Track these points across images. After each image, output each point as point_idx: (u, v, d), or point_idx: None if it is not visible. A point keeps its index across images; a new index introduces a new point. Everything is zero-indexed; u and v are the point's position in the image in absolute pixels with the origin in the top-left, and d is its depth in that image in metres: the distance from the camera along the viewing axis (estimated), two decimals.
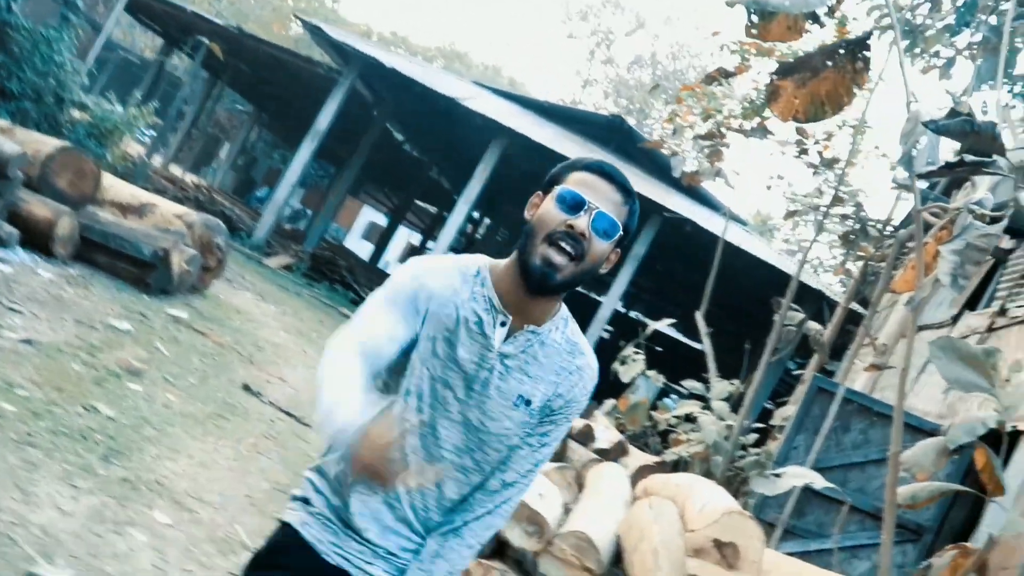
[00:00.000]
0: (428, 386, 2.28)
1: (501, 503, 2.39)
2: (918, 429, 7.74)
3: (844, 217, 12.58)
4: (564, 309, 2.37)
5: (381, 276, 26.56)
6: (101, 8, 17.00)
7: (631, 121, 32.67)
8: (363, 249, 38.88)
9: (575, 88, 46.58)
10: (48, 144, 9.07)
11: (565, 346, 2.33)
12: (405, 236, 44.16)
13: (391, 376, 2.32)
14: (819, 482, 5.73)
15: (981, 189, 8.78)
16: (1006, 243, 10.24)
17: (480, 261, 2.34)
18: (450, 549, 2.33)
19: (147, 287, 8.96)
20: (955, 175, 4.97)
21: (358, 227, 47.80)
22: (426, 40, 64.80)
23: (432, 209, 35.64)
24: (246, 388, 7.55)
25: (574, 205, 2.21)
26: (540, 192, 2.30)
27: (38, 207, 8.45)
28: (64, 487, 4.23)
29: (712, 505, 5.17)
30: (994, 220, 4.74)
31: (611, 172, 2.30)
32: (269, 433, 6.74)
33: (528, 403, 2.29)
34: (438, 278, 2.29)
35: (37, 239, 8.37)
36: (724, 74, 13.05)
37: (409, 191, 31.79)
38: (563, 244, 2.18)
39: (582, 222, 2.20)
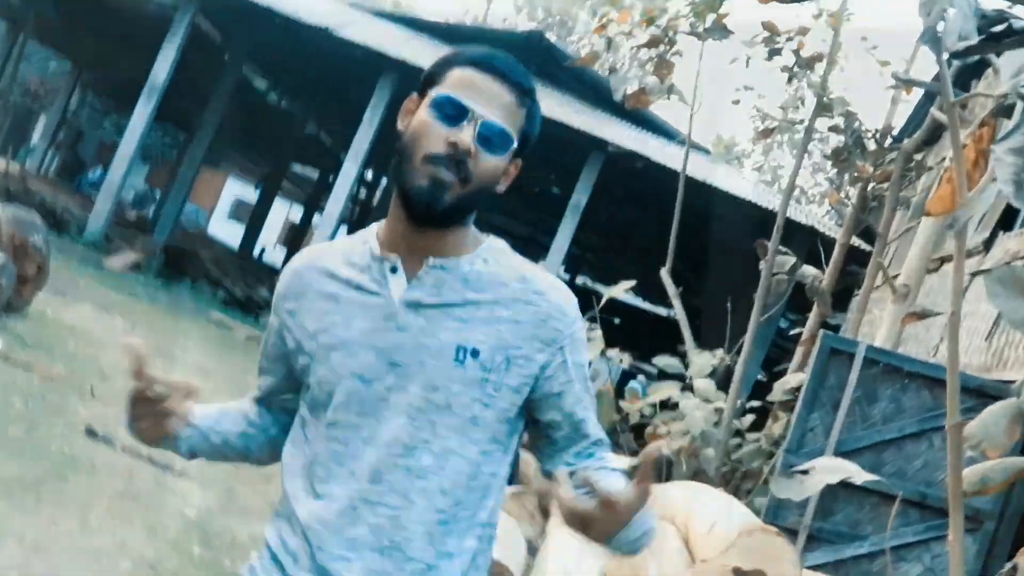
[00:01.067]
0: (344, 390, 2.25)
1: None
2: (966, 389, 7.70)
3: (832, 130, 12.69)
4: (492, 240, 2.40)
5: (256, 267, 26.35)
6: None
7: (551, 37, 33.00)
8: (232, 232, 38.85)
9: (478, 3, 46.81)
10: None
11: (503, 275, 2.31)
12: (284, 211, 44.05)
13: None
14: (859, 475, 5.62)
15: (1007, 76, 8.71)
16: None
17: (371, 229, 2.41)
18: None
19: None
20: (1000, 49, 4.85)
21: (223, 205, 47.73)
22: None
23: (314, 174, 35.63)
24: (90, 433, 7.32)
25: (454, 114, 2.22)
26: (415, 95, 2.34)
27: None
28: None
29: (724, 523, 5.19)
30: None
31: (501, 66, 2.31)
32: (127, 491, 6.49)
33: (475, 353, 2.22)
34: (306, 273, 2.38)
35: None
36: None
37: (282, 154, 31.81)
38: (445, 164, 2.21)
39: (466, 135, 2.20)
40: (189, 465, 7.45)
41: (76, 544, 5.28)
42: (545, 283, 2.35)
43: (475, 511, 2.30)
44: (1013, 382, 7.73)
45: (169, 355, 11.47)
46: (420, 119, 2.24)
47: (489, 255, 2.33)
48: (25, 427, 6.80)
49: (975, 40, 4.52)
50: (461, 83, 2.25)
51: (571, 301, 2.37)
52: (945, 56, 4.85)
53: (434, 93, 2.25)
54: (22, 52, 27.52)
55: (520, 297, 2.29)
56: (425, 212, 2.21)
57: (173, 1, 19.28)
